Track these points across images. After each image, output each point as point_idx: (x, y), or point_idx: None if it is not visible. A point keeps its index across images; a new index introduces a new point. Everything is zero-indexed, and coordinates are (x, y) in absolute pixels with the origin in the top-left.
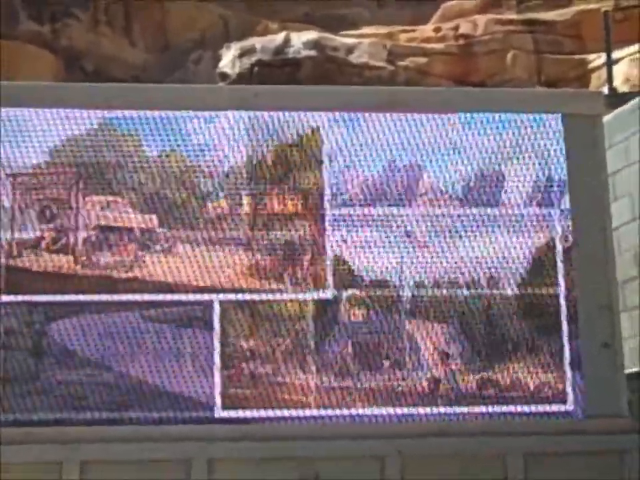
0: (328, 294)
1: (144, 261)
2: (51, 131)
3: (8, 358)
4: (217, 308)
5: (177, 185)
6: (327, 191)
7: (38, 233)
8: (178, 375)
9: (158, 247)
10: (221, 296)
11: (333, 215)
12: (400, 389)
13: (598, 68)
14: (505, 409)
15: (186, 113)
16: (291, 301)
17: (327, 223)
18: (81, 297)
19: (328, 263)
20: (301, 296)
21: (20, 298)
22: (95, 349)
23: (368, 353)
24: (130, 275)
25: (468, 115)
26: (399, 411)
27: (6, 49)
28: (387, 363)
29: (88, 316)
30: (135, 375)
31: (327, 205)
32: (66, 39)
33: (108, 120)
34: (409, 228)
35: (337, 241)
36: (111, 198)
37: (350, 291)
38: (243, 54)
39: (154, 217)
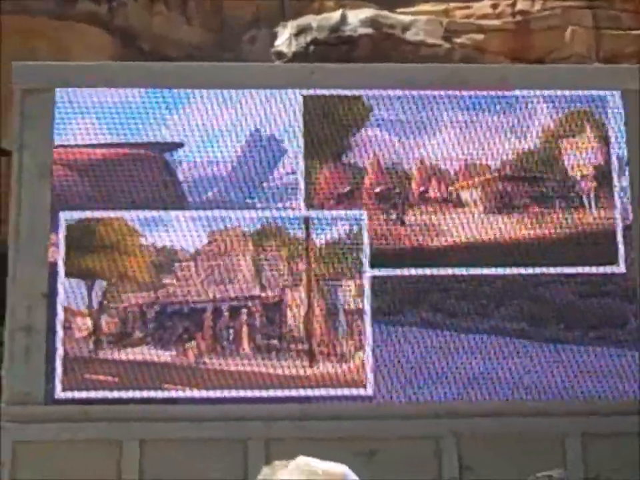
0: None
1: None
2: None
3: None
4: None
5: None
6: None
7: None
8: None
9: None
10: None
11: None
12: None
13: None
14: (565, 389)
15: (242, 91)
16: None
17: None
18: None
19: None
20: None
21: None
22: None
23: None
24: None
25: (526, 92)
26: (455, 391)
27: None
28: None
29: None
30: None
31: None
32: (122, 18)
33: (163, 98)
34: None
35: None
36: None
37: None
38: (299, 32)
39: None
